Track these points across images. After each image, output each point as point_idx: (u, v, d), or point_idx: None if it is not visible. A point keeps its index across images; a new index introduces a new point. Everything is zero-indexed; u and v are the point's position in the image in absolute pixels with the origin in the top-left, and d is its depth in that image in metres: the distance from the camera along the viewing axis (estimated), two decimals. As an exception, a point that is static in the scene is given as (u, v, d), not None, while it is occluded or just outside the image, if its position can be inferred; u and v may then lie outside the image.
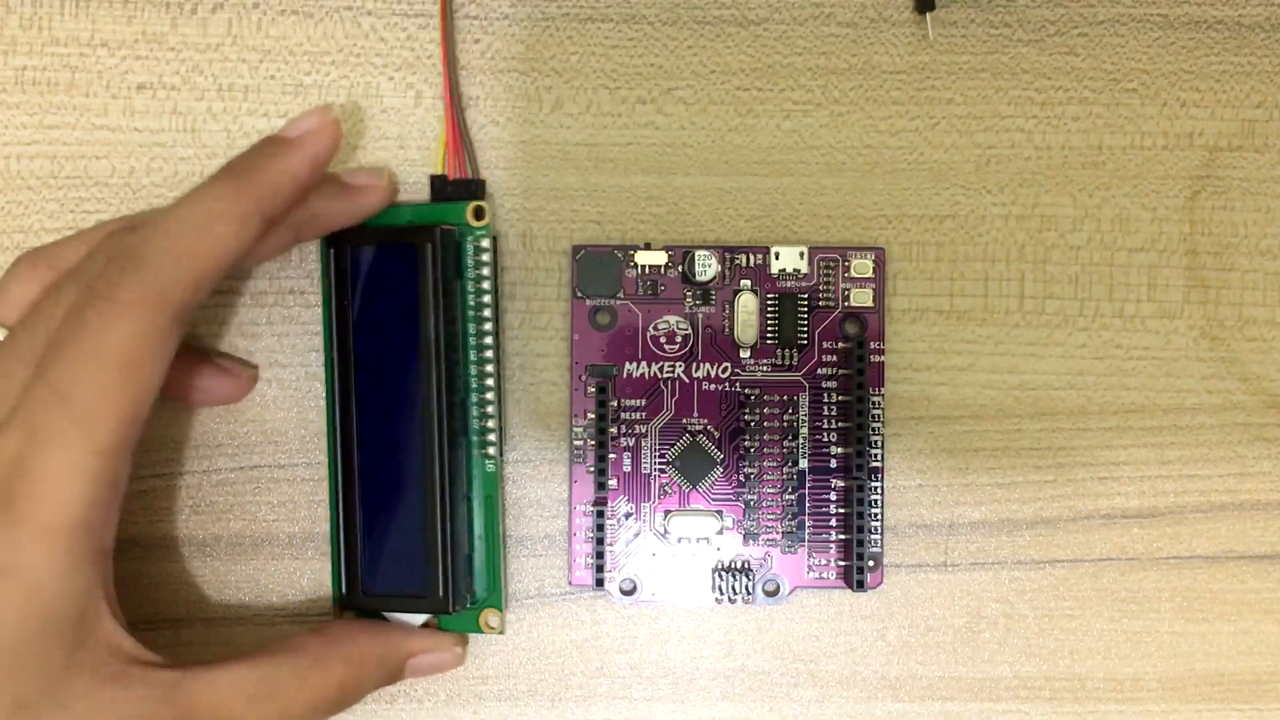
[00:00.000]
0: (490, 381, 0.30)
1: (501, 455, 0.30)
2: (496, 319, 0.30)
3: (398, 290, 0.28)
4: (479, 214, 0.29)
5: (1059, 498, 0.31)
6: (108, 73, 0.31)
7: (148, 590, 0.31)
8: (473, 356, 0.29)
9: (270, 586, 0.31)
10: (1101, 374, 0.31)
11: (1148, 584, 0.31)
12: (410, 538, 0.28)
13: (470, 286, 0.29)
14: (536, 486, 0.31)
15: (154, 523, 0.31)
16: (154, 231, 0.25)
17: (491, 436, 0.30)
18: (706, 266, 0.31)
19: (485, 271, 0.29)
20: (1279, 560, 0.31)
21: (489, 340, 0.30)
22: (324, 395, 0.30)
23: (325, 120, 0.28)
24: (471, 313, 0.29)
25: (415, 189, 0.31)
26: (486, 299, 0.29)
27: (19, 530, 0.23)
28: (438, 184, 0.30)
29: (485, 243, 0.29)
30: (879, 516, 0.30)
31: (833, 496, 0.31)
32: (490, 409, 0.30)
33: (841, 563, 0.31)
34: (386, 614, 0.30)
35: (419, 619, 0.30)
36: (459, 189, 0.30)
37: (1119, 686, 0.31)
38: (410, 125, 0.31)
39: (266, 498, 0.31)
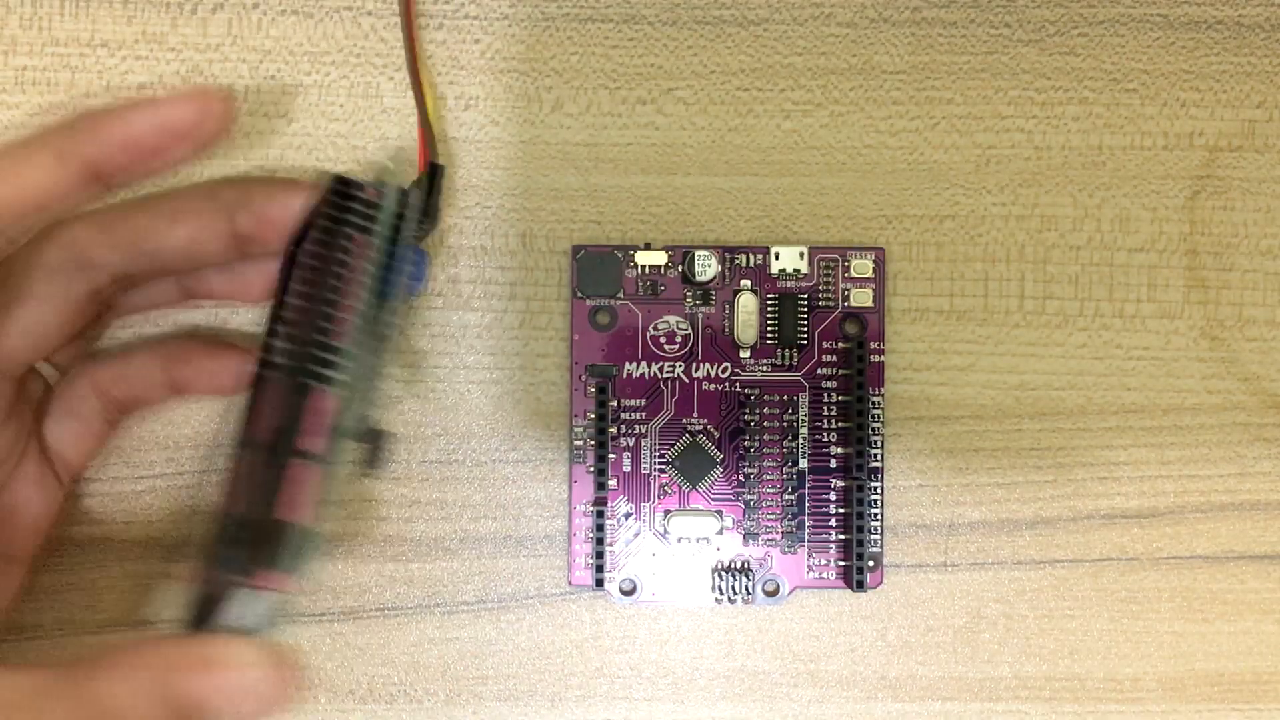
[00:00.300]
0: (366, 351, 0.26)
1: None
2: (381, 285, 0.26)
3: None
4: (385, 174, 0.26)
5: (1059, 498, 0.31)
6: (108, 73, 0.31)
7: (147, 590, 0.31)
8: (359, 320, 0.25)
9: (270, 586, 0.31)
10: (1101, 374, 0.31)
11: (1148, 584, 0.31)
12: (260, 484, 0.24)
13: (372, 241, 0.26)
14: (536, 486, 0.31)
15: (154, 523, 0.31)
16: None
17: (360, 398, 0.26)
18: (706, 266, 0.31)
19: (378, 229, 0.26)
20: (1278, 560, 0.31)
21: (365, 305, 0.25)
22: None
23: (200, 95, 0.24)
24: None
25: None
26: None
27: None
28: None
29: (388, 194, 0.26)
30: (879, 517, 0.30)
31: (833, 496, 0.31)
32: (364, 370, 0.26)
33: (841, 563, 0.31)
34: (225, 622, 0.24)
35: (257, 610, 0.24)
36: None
37: (1119, 686, 0.31)
38: (410, 125, 0.31)
39: (266, 498, 0.31)
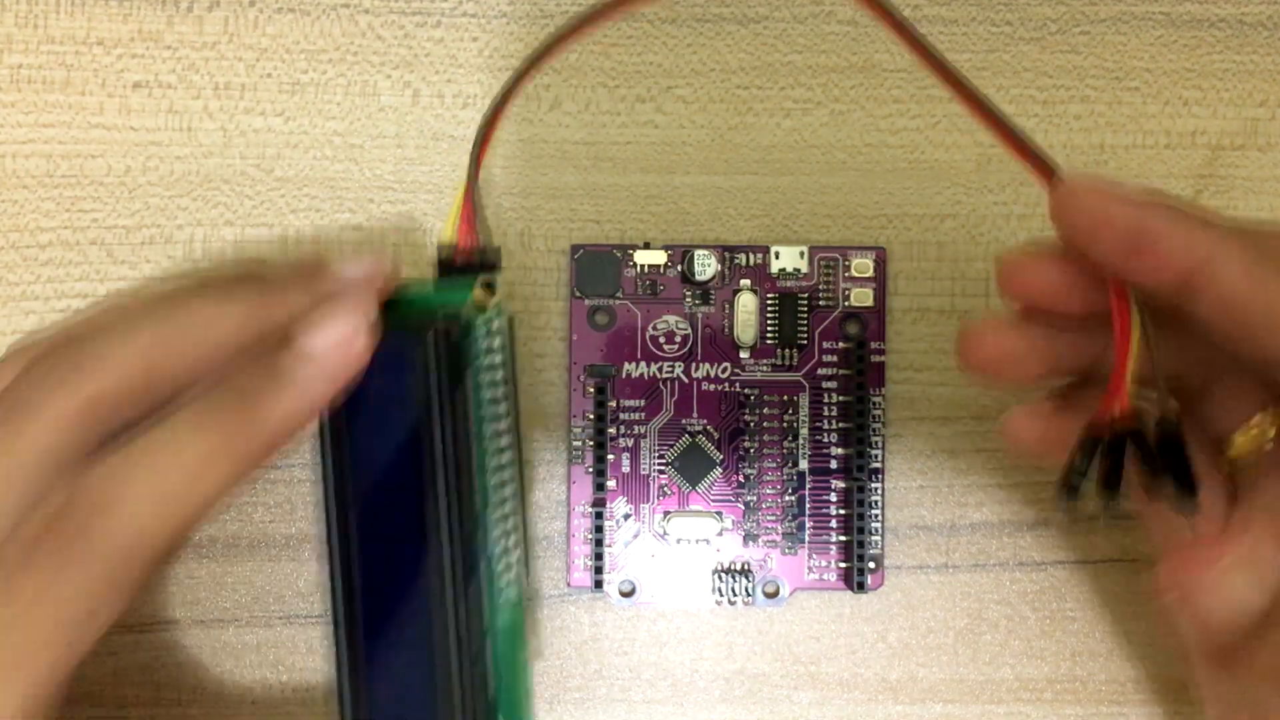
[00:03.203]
0: (509, 490, 0.25)
1: (528, 572, 0.27)
2: (516, 414, 0.26)
3: (394, 397, 0.23)
4: (489, 288, 0.25)
5: (1061, 499, 0.31)
6: (103, 71, 0.31)
7: (144, 592, 0.31)
8: (491, 462, 0.25)
9: (267, 588, 0.31)
10: (1104, 374, 0.31)
11: (1151, 585, 0.31)
12: (423, 682, 0.23)
13: (485, 378, 0.25)
14: (535, 488, 0.31)
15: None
16: (132, 473, 0.21)
17: (515, 555, 0.26)
18: (706, 266, 0.30)
19: (498, 359, 0.25)
20: (1282, 562, 0.31)
21: (506, 441, 0.25)
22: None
23: (358, 330, 0.22)
24: (488, 406, 0.25)
25: (412, 188, 0.31)
26: (502, 391, 0.25)
27: None
28: (445, 253, 0.26)
29: (497, 324, 0.25)
30: (880, 518, 0.30)
31: (833, 497, 0.31)
32: (512, 523, 0.26)
33: (842, 564, 0.30)
34: None
35: None
36: (471, 261, 0.26)
37: (1121, 689, 0.31)
38: (408, 124, 0.31)
39: (264, 499, 0.31)
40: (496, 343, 0.26)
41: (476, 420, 0.24)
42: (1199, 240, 0.21)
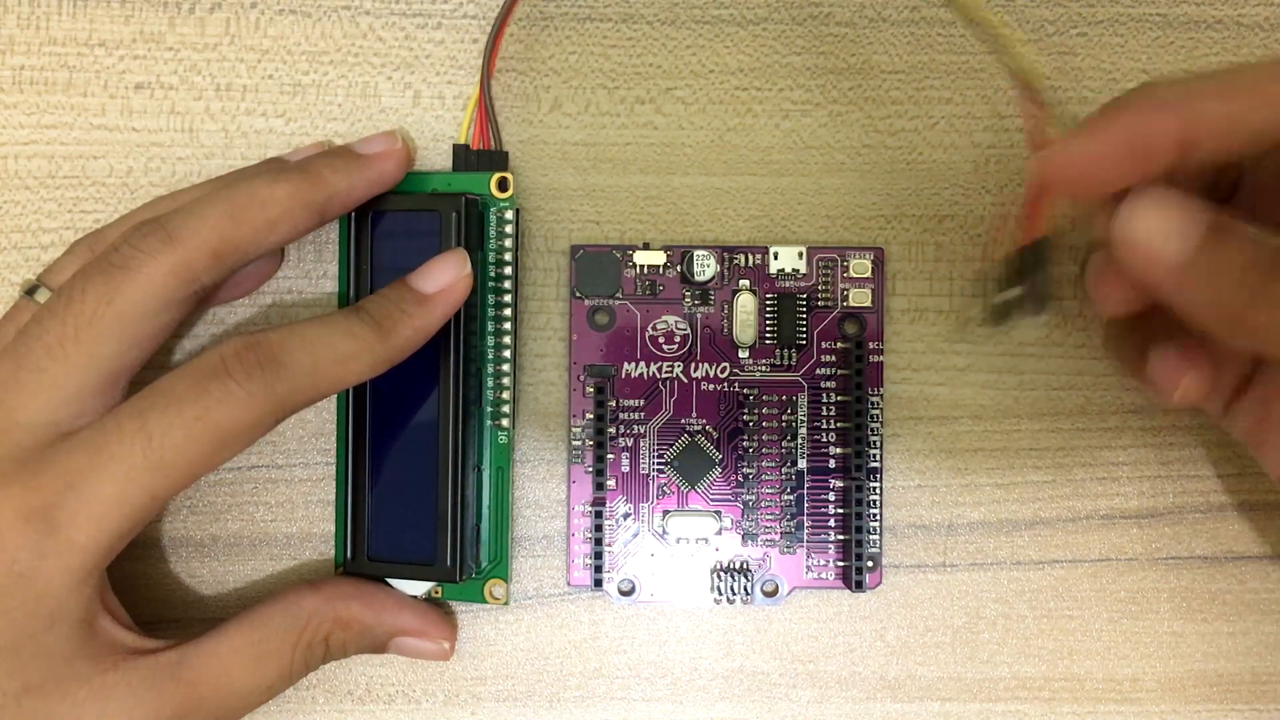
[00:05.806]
0: (507, 354, 0.30)
1: (514, 427, 0.30)
2: (516, 291, 0.30)
3: (417, 258, 0.28)
4: (503, 185, 0.30)
5: (1058, 498, 0.31)
6: (105, 72, 0.31)
7: (145, 590, 0.31)
8: (490, 328, 0.30)
9: (268, 587, 0.31)
10: (1101, 374, 0.31)
11: (1147, 584, 0.31)
12: (419, 505, 0.29)
13: (492, 258, 0.30)
14: (535, 487, 0.31)
15: (152, 523, 0.31)
16: (299, 343, 0.26)
17: (505, 408, 0.30)
18: (705, 266, 0.31)
19: (508, 244, 0.30)
20: (1278, 560, 0.31)
21: (507, 313, 0.30)
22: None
23: (457, 280, 0.27)
24: (491, 284, 0.30)
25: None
26: (508, 270, 0.30)
27: (49, 542, 0.24)
28: (460, 153, 0.30)
29: (509, 214, 0.30)
30: (877, 517, 0.30)
31: (831, 497, 0.31)
32: (506, 380, 0.30)
33: (840, 563, 0.31)
34: (390, 580, 0.30)
35: (422, 588, 0.30)
36: (483, 160, 0.30)
37: (1118, 687, 0.31)
38: (409, 125, 0.31)
39: (264, 498, 0.31)
40: (508, 229, 0.30)
41: (483, 291, 0.29)
42: (1168, 114, 0.23)
